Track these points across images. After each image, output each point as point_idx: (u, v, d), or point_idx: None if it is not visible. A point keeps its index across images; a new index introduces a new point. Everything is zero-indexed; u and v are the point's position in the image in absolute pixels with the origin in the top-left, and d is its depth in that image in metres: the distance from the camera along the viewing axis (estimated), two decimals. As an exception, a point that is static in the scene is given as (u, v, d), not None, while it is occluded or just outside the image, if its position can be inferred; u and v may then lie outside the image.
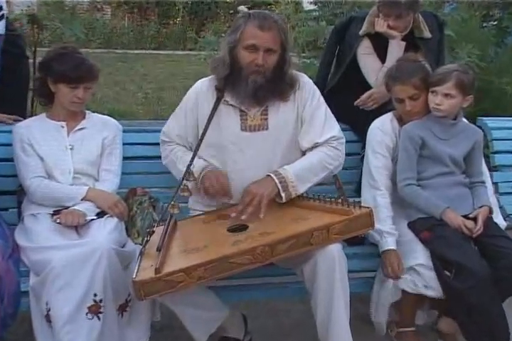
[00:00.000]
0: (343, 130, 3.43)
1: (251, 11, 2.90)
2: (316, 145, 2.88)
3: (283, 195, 2.74)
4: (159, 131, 3.37)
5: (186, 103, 2.97)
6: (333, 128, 2.92)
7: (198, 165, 2.82)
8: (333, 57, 3.79)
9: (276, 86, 2.82)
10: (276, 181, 2.73)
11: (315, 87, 2.97)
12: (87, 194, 2.89)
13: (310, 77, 3.30)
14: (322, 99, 2.97)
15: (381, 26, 3.50)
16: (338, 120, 3.46)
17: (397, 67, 3.07)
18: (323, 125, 2.89)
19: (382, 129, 3.09)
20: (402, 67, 3.04)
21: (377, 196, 2.99)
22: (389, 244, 2.90)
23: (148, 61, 14.12)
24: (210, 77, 2.97)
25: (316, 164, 2.83)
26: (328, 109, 2.97)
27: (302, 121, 2.91)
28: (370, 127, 3.13)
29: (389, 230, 2.92)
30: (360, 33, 3.58)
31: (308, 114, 2.90)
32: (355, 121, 3.46)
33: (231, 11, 20.75)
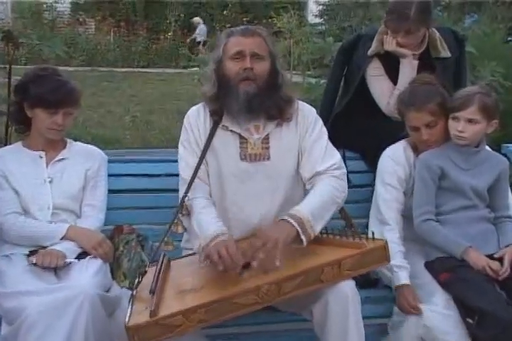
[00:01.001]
0: (352, 159, 3.47)
1: (232, 28, 3.01)
2: (317, 174, 2.90)
3: (303, 237, 2.67)
4: (148, 161, 3.42)
5: (188, 136, 2.96)
6: (333, 156, 2.96)
7: (210, 231, 2.72)
8: (340, 80, 3.81)
9: (272, 97, 2.88)
10: (295, 224, 2.66)
11: (317, 115, 3.04)
12: (68, 232, 2.90)
13: (315, 100, 3.31)
14: (324, 129, 3.02)
15: (390, 44, 3.52)
16: (347, 148, 3.49)
17: (411, 91, 3.10)
18: (324, 154, 2.94)
19: (394, 159, 3.11)
20: (416, 91, 3.07)
21: (385, 231, 3.00)
22: (400, 278, 2.91)
23: (137, 80, 14.17)
24: (203, 102, 3.02)
25: (328, 199, 2.83)
26: (329, 141, 3.00)
27: (302, 152, 2.96)
28: (381, 156, 3.16)
29: (399, 264, 2.93)
30: (369, 52, 3.59)
31: (309, 144, 2.95)
32: (366, 150, 3.48)
33: (228, 25, 20.93)
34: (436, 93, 3.04)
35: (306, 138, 2.96)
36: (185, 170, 2.93)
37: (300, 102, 3.03)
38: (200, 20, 20.49)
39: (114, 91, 12.29)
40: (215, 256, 2.58)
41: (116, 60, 19.67)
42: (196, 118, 2.98)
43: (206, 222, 2.77)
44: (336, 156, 2.96)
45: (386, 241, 2.69)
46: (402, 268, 2.93)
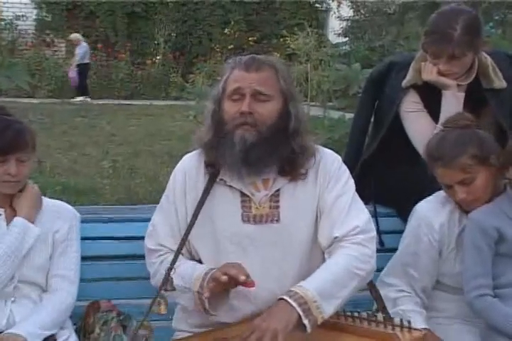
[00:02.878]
0: (385, 216, 3.46)
1: (238, 57, 2.97)
2: (335, 241, 2.86)
3: (306, 322, 2.63)
4: (132, 219, 3.41)
5: (174, 189, 2.99)
6: (357, 216, 2.90)
7: (197, 273, 2.80)
8: (369, 117, 3.83)
9: (278, 149, 2.83)
10: (295, 305, 2.62)
11: (344, 166, 3.00)
12: None
13: (339, 140, 3.30)
14: (351, 182, 2.98)
15: (429, 72, 3.51)
16: (379, 202, 3.48)
17: (439, 140, 3.07)
18: (346, 215, 2.88)
19: (429, 217, 3.11)
20: (445, 140, 3.05)
21: (389, 292, 3.10)
22: (416, 322, 2.88)
23: (118, 115, 14.28)
24: (199, 149, 3.01)
25: (342, 272, 2.78)
26: (357, 195, 2.97)
27: (321, 213, 2.92)
28: (414, 210, 3.16)
29: (411, 308, 3.01)
30: (404, 83, 3.59)
31: (328, 203, 2.90)
32: (402, 204, 3.45)
33: (230, 46, 21.12)
34: (472, 141, 3.01)
35: (326, 195, 2.91)
36: (153, 235, 3.00)
37: (322, 150, 2.98)
38: (81, 37, 20.35)
39: (90, 129, 12.38)
40: (216, 274, 2.69)
41: (93, 90, 19.85)
42: (187, 170, 2.98)
43: (189, 269, 2.83)
44: (361, 216, 2.90)
45: (425, 333, 2.67)
46: (415, 312, 2.97)
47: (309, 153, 2.90)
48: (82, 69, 19.73)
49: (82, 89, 19.54)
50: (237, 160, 2.80)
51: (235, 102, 2.82)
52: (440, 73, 3.50)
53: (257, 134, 2.79)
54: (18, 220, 2.97)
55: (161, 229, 2.99)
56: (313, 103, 11.05)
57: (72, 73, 19.32)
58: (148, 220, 3.25)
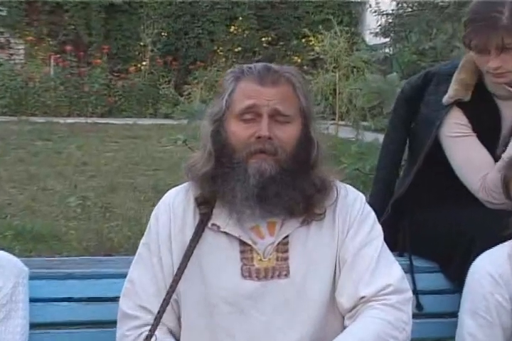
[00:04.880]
0: (424, 271, 3.49)
1: (244, 66, 2.98)
2: (361, 302, 2.88)
3: None
4: (99, 275, 3.40)
5: (156, 234, 3.00)
6: (388, 272, 2.93)
7: None
8: (402, 144, 3.83)
9: (299, 184, 2.87)
10: None
11: (368, 207, 3.04)
12: None
13: (370, 172, 3.29)
14: (377, 228, 3.01)
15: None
16: (416, 253, 3.49)
17: None
18: (374, 268, 2.91)
19: (493, 274, 3.11)
20: None
21: None
22: None
23: (91, 138, 14.30)
24: (188, 183, 3.03)
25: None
26: (385, 244, 3.00)
27: (340, 266, 2.95)
28: (474, 267, 3.15)
29: None
30: (445, 100, 3.55)
31: (352, 254, 2.93)
32: (446, 256, 3.47)
33: (237, 48, 21.14)
34: None
35: (347, 243, 2.94)
36: (132, 295, 2.99)
37: (342, 186, 3.02)
38: None
39: (54, 157, 12.39)
40: None
41: (60, 106, 19.91)
42: (172, 209, 3.00)
43: None
44: (393, 271, 2.94)
45: None
46: None
47: (329, 189, 2.95)
48: None
49: None
50: (249, 197, 2.83)
51: (247, 123, 2.86)
52: (493, 74, 3.44)
53: (276, 165, 2.84)
54: None
55: (142, 286, 2.98)
56: (342, 122, 11.01)
57: None
58: (119, 276, 3.26)
